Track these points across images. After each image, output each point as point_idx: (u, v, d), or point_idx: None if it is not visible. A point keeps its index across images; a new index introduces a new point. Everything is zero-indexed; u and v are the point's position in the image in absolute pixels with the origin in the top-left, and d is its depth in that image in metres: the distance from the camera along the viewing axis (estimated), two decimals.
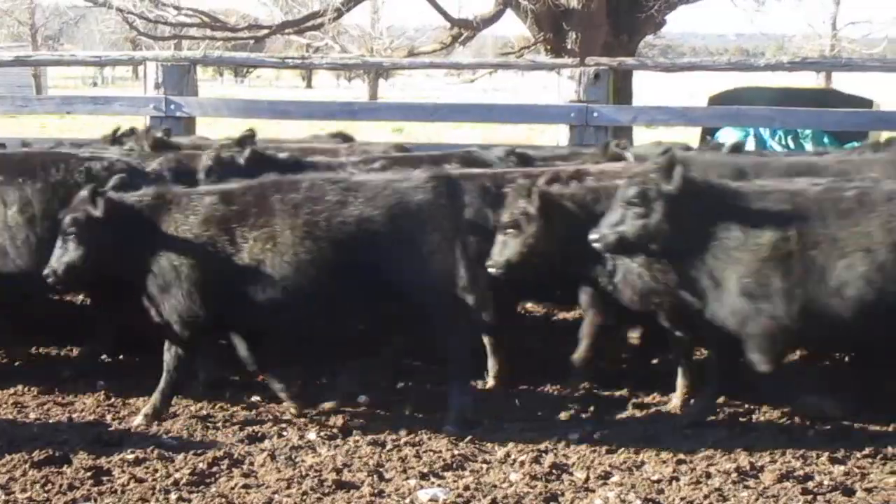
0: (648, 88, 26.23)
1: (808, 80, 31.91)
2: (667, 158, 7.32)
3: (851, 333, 7.04)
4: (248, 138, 9.51)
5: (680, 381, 7.90)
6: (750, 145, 16.12)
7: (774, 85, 18.89)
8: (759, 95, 16.73)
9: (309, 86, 65.87)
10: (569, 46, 17.62)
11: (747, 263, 6.99)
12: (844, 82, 28.29)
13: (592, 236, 7.29)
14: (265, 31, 21.03)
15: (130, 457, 6.75)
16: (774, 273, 6.94)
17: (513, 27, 22.51)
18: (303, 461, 6.78)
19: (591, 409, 7.85)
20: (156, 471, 6.56)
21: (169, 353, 7.51)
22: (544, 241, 7.69)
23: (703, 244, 7.10)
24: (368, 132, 25.60)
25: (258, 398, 7.97)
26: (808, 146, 15.50)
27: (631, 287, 7.65)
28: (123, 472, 6.53)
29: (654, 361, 8.86)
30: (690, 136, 17.63)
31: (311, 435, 7.20)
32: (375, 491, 6.32)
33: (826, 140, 15.57)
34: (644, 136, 19.19)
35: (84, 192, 7.46)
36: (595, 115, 13.20)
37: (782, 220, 7.00)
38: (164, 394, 7.51)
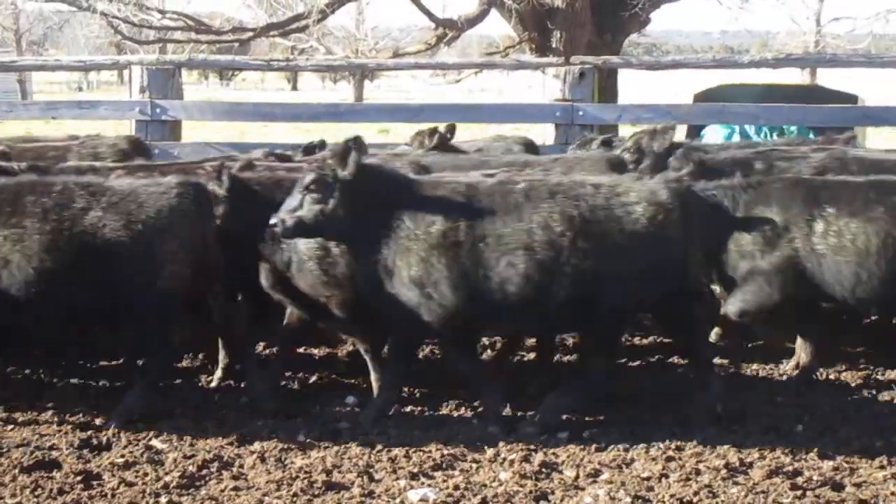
0: (633, 87, 26.21)
1: (793, 76, 32.02)
2: (342, 145, 7.48)
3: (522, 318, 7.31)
4: None
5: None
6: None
7: (759, 82, 18.93)
8: (743, 92, 16.75)
9: (294, 88, 65.69)
10: (553, 45, 17.62)
11: (412, 252, 7.17)
12: (829, 78, 28.29)
13: (272, 221, 7.40)
14: (249, 34, 20.96)
15: (120, 460, 6.76)
16: (438, 261, 7.15)
17: (497, 27, 22.50)
18: (292, 463, 6.78)
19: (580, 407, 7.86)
20: (146, 474, 6.56)
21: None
22: (230, 223, 7.80)
23: (375, 232, 7.27)
24: (354, 133, 25.62)
25: (247, 400, 7.96)
26: None
27: (305, 278, 7.75)
28: (113, 475, 6.53)
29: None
30: (676, 134, 17.61)
31: (301, 436, 7.19)
32: (365, 492, 6.32)
33: (811, 136, 15.58)
34: (629, 134, 19.16)
35: None
36: (580, 113, 13.26)
37: (447, 211, 7.22)
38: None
